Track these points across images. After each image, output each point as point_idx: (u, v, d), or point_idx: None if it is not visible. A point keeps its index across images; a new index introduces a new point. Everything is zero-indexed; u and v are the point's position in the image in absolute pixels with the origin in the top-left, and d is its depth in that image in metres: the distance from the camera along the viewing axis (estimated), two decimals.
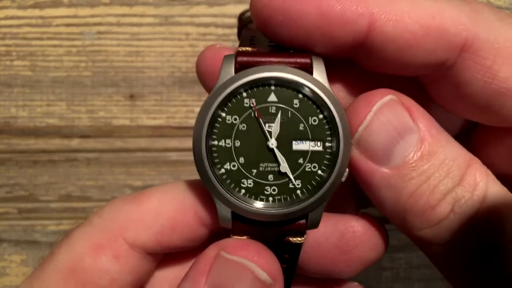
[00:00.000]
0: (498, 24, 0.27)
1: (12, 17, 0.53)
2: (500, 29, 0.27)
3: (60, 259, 0.30)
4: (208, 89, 0.33)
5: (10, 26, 0.53)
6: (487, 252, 0.26)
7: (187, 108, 0.54)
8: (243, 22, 0.43)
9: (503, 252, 0.25)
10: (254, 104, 0.28)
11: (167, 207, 0.31)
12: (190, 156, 0.55)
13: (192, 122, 0.54)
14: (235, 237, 0.29)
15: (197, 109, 0.54)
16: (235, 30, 0.54)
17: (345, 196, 0.35)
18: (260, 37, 0.31)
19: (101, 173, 0.55)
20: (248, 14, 0.40)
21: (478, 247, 0.26)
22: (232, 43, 0.53)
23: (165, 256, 0.34)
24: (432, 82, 0.30)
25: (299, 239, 0.29)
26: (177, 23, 0.54)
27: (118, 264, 0.30)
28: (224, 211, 0.28)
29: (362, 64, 0.30)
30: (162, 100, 0.54)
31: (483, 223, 0.26)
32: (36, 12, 0.53)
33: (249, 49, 0.29)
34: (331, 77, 0.29)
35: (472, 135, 0.34)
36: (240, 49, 0.29)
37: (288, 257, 0.31)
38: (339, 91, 0.31)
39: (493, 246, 0.26)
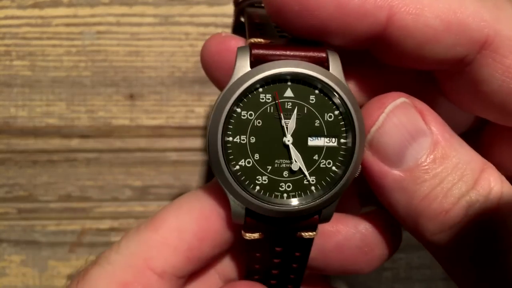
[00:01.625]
0: None
1: (12, 17, 0.53)
2: None
3: None
4: (212, 79, 0.31)
5: (10, 26, 0.53)
6: (498, 257, 0.25)
7: (187, 108, 0.54)
8: (241, 6, 0.40)
9: (506, 256, 0.25)
10: (277, 98, 0.27)
11: (189, 221, 0.29)
12: (189, 156, 0.55)
13: (191, 122, 0.54)
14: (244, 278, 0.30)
15: (197, 109, 0.54)
16: None
17: (350, 193, 0.35)
18: (266, 25, 0.30)
19: (100, 173, 0.55)
20: None
21: (492, 252, 0.25)
22: None
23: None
24: (448, 77, 0.29)
25: (311, 233, 0.29)
26: (177, 23, 0.53)
27: None
28: (238, 208, 0.28)
29: (378, 56, 0.29)
30: (161, 100, 0.54)
31: (497, 228, 0.25)
32: (36, 12, 0.53)
33: (261, 40, 0.28)
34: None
35: (482, 133, 0.33)
36: (252, 41, 0.28)
37: (299, 255, 0.31)
38: (348, 84, 0.31)
39: (502, 250, 0.25)
